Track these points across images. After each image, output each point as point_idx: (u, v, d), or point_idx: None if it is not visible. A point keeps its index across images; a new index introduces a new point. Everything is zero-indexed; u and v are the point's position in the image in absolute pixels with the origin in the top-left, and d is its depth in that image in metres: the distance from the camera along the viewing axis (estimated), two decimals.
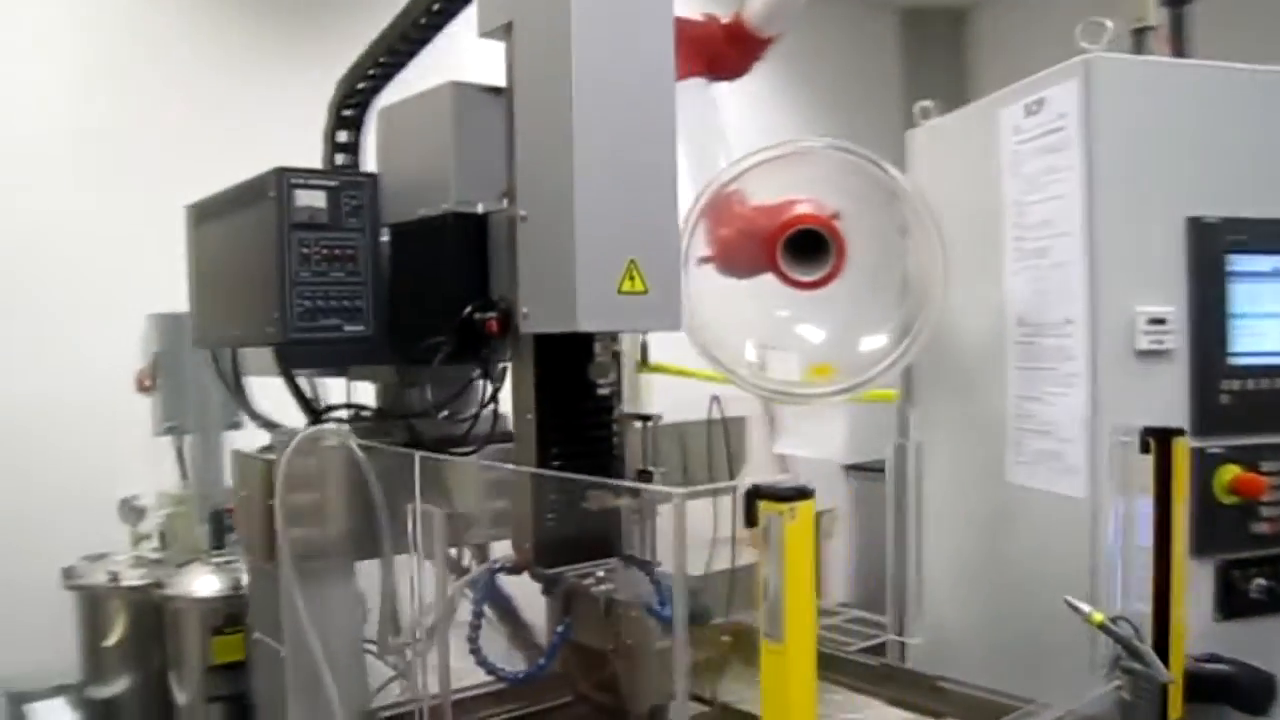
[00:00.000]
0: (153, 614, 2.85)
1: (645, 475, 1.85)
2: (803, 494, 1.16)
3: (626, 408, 1.86)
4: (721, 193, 2.50)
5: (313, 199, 1.90)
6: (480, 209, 1.85)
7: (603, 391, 1.75)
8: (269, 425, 2.29)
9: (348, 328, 1.93)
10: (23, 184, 3.81)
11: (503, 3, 1.79)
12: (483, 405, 1.85)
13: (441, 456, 1.82)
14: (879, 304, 2.39)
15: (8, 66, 3.86)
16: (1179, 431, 1.80)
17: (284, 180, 1.88)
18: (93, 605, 3.10)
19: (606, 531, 1.77)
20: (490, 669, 1.74)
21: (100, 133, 3.97)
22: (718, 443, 2.57)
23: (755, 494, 1.20)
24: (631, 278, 1.66)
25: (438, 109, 1.90)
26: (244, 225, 2.00)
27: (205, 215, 2.21)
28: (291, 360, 1.97)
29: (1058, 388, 2.12)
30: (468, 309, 1.78)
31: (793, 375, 2.40)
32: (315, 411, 2.11)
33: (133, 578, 3.02)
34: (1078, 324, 2.07)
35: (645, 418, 1.87)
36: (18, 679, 3.36)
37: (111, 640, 3.04)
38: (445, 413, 2.00)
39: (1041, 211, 2.17)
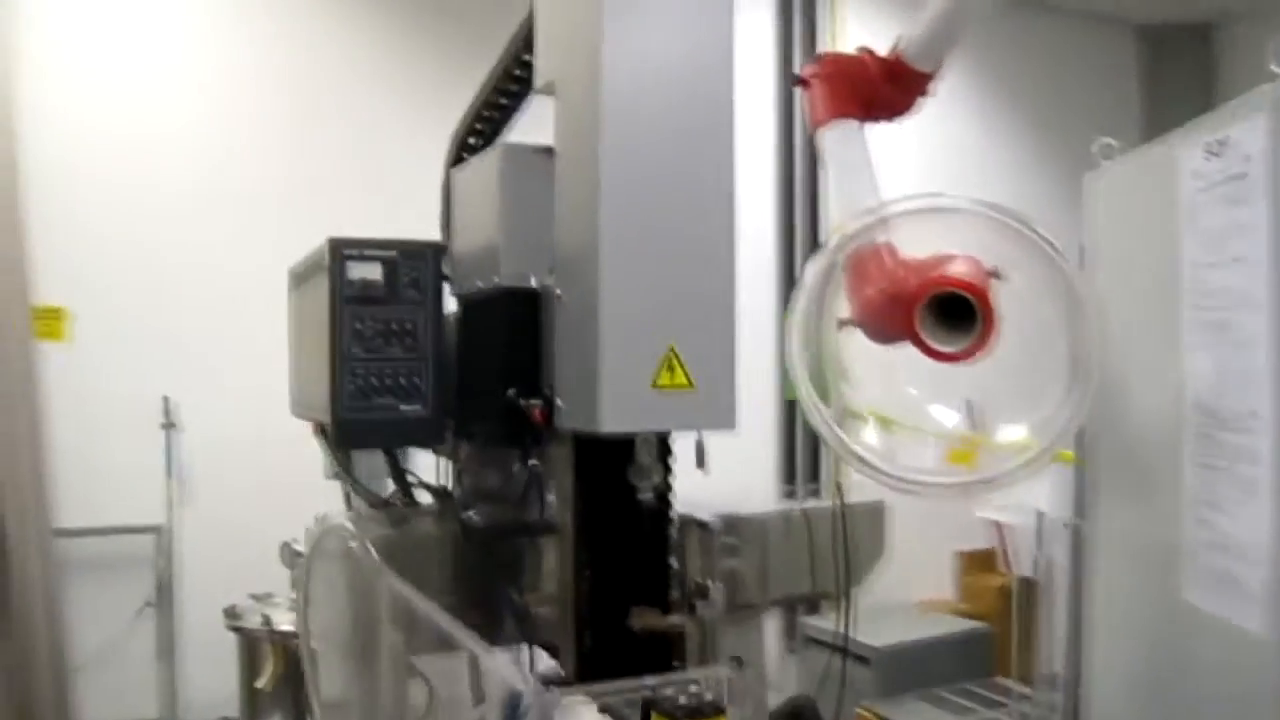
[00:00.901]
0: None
1: (701, 590, 1.61)
2: (713, 710, 0.91)
3: None
4: (866, 244, 2.24)
5: (367, 271, 1.78)
6: (533, 283, 1.67)
7: (644, 496, 1.52)
8: (373, 500, 2.19)
9: (404, 407, 1.80)
10: (237, 233, 3.95)
11: (550, 57, 1.62)
12: (523, 497, 1.66)
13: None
14: (1025, 387, 2.04)
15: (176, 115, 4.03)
16: None
17: (337, 251, 1.77)
18: (248, 646, 3.16)
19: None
20: None
21: (299, 186, 4.07)
22: (855, 531, 2.27)
23: (650, 706, 0.95)
24: (670, 369, 1.44)
25: (489, 172, 1.74)
26: (309, 296, 1.92)
27: (295, 281, 2.15)
28: (345, 439, 1.86)
29: (1239, 494, 1.72)
30: (510, 393, 1.61)
31: (925, 461, 2.09)
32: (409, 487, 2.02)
33: (284, 621, 3.04)
34: (1263, 419, 1.67)
35: (702, 524, 1.63)
36: (192, 706, 3.48)
37: (262, 681, 3.08)
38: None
39: (1222, 276, 1.78)
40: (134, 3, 3.88)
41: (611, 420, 1.40)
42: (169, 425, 3.83)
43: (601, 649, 1.54)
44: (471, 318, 1.82)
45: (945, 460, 2.23)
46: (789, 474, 4.85)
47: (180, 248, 3.87)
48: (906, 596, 4.82)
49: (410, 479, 2.05)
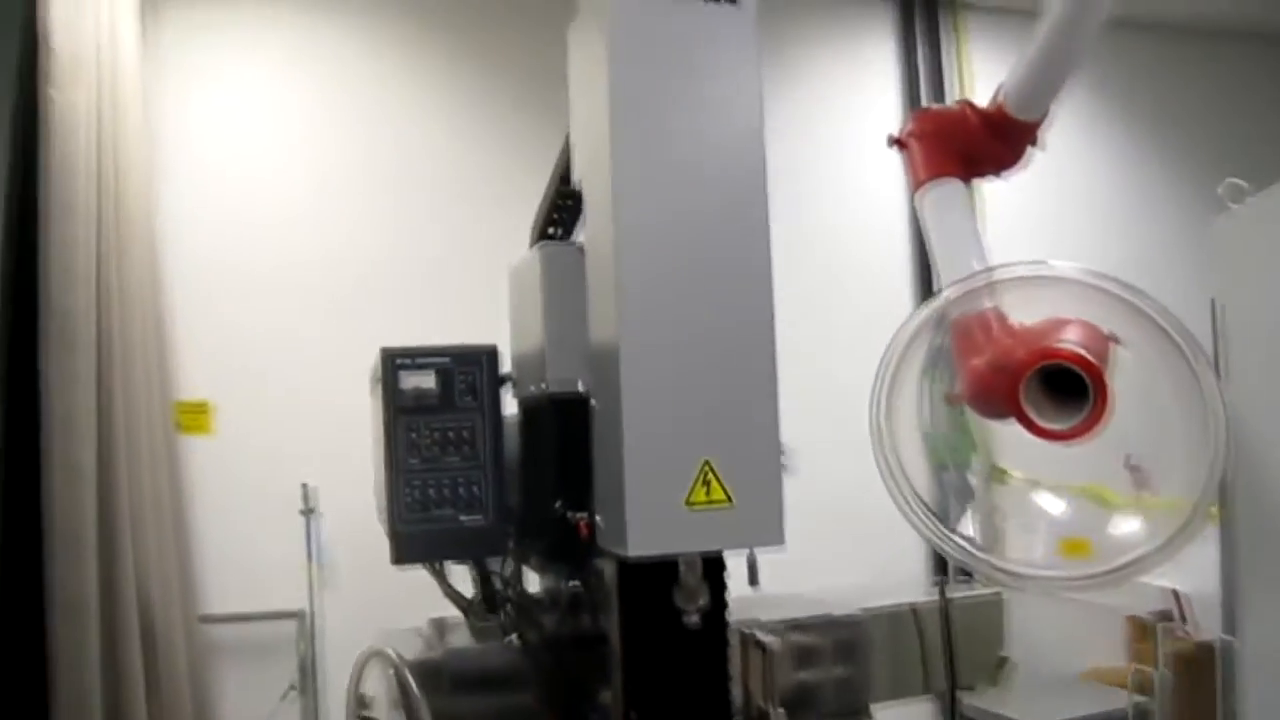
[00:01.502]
0: None
1: (762, 716, 1.48)
2: None
3: None
4: (972, 311, 2.08)
5: (420, 380, 1.75)
6: (580, 388, 1.60)
7: (691, 620, 1.41)
8: (463, 607, 2.14)
9: (464, 518, 1.75)
10: (361, 322, 4.02)
11: (580, 159, 1.56)
12: (570, 616, 1.58)
13: None
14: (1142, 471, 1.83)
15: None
16: None
17: (389, 361, 1.75)
18: None
19: None
20: None
21: (420, 277, 4.15)
22: (971, 627, 2.09)
23: None
24: (706, 485, 1.33)
25: (533, 273, 1.68)
26: (374, 404, 1.90)
27: (371, 386, 2.15)
28: (403, 553, 1.82)
29: None
30: (558, 506, 1.54)
31: (1035, 553, 1.89)
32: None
33: None
34: None
35: (760, 644, 1.50)
36: None
37: None
38: None
39: None
40: (256, 108, 4.06)
41: (639, 543, 1.31)
42: (309, 511, 3.92)
43: None
44: (527, 424, 1.76)
45: (1057, 552, 2.03)
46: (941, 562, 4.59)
47: (310, 339, 3.98)
48: (1075, 665, 4.49)
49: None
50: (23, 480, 3.07)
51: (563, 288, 1.60)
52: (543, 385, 1.63)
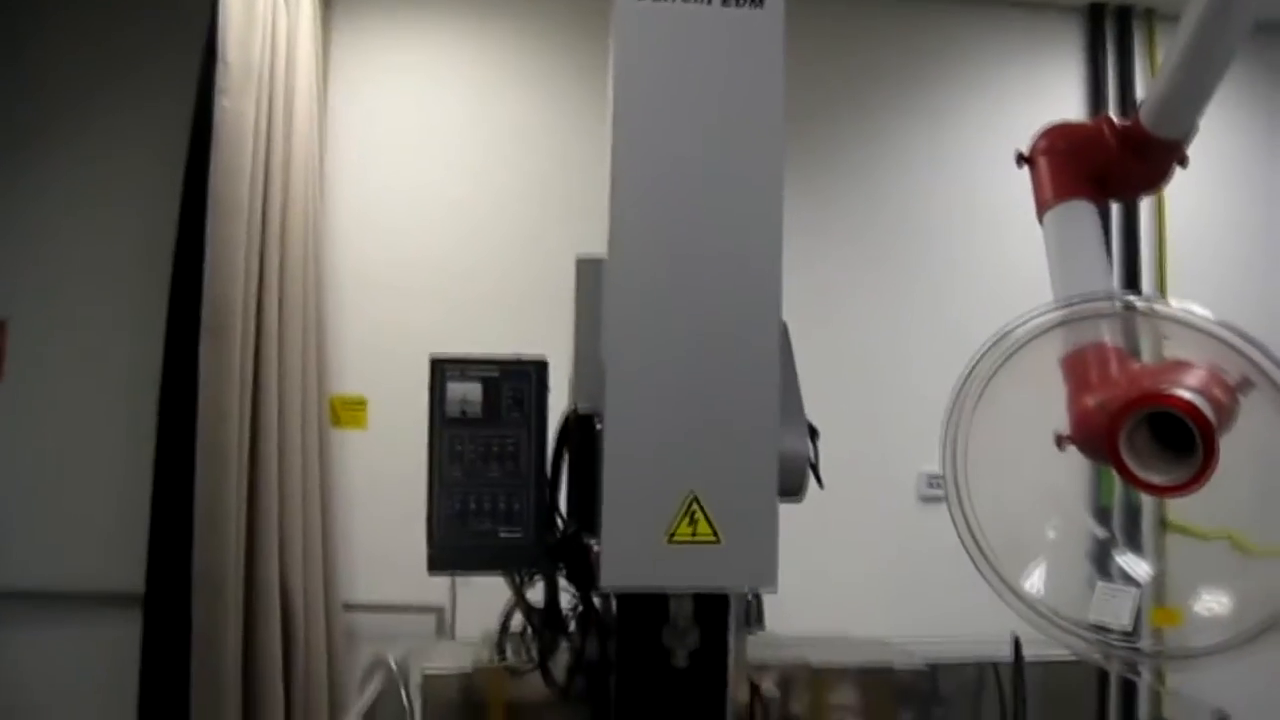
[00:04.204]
0: None
1: None
2: None
3: None
4: (1090, 344, 1.91)
5: (467, 391, 1.74)
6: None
7: (678, 663, 1.32)
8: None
9: (503, 533, 1.72)
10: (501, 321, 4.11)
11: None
12: (577, 648, 1.52)
13: None
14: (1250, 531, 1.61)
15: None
16: None
17: (438, 370, 1.74)
18: None
19: None
20: None
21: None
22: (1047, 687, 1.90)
23: None
24: (691, 520, 1.25)
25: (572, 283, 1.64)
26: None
27: None
28: (439, 563, 1.80)
29: None
30: (572, 530, 1.49)
31: (1123, 619, 1.69)
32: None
33: None
34: None
35: (754, 688, 1.39)
36: None
37: None
38: None
39: None
40: (419, 109, 4.19)
41: (613, 576, 1.24)
42: None
43: None
44: (560, 443, 1.72)
45: (1148, 618, 1.82)
46: None
47: (464, 339, 4.06)
48: None
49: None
50: (182, 468, 3.27)
51: (590, 302, 1.55)
52: (575, 403, 1.58)
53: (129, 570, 3.48)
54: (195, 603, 3.17)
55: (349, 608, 3.82)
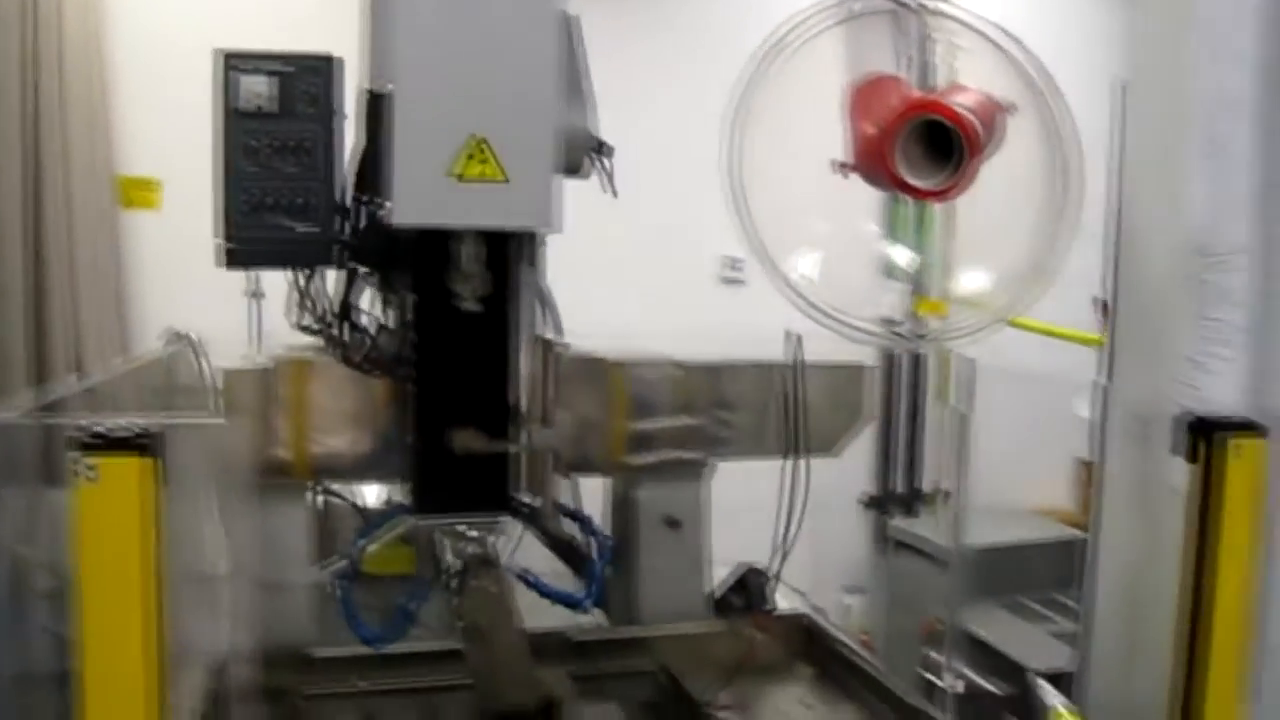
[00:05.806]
0: None
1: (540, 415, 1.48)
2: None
3: None
4: (870, 77, 2.03)
5: (259, 85, 1.71)
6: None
7: (469, 307, 1.40)
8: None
9: (300, 228, 1.73)
10: None
11: None
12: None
13: None
14: (1001, 229, 1.80)
15: None
16: None
17: (227, 65, 1.71)
18: None
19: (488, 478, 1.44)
20: None
21: None
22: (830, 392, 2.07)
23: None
24: (479, 160, 1.30)
25: None
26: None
27: None
28: (236, 258, 1.79)
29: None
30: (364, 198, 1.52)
31: (883, 306, 1.87)
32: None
33: None
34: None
35: (547, 343, 1.48)
36: None
37: None
38: None
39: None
40: None
41: (403, 212, 1.29)
42: (255, 294, 3.92)
43: (432, 475, 1.44)
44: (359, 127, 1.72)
45: (913, 309, 2.01)
46: None
47: None
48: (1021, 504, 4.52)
49: None
50: None
51: None
52: (366, 85, 1.59)
53: None
54: None
55: None
